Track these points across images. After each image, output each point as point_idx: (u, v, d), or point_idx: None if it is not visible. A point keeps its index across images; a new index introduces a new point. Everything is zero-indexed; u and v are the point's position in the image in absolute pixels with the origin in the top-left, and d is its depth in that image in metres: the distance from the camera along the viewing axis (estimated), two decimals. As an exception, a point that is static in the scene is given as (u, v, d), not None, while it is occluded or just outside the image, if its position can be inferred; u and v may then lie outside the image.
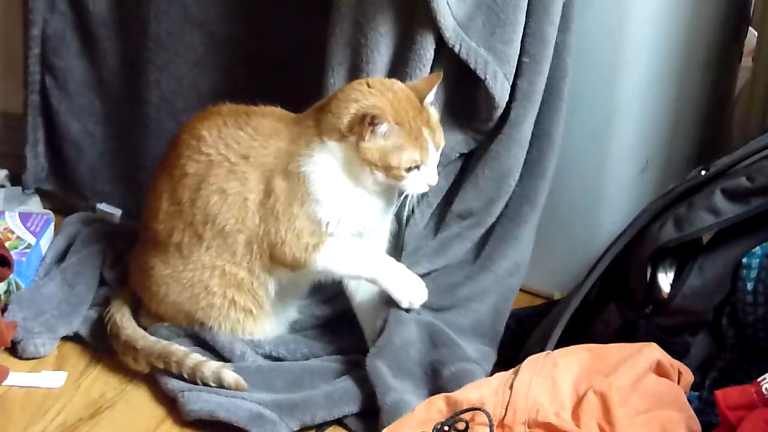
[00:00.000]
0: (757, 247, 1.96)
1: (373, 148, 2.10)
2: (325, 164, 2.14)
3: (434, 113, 2.19)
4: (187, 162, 2.21)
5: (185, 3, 2.61)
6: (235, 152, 2.18)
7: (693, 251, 2.02)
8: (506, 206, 2.36)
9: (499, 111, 2.27)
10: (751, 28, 2.65)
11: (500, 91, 2.24)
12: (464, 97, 2.31)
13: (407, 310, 2.21)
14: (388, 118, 2.08)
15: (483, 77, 2.22)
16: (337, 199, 2.15)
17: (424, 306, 2.24)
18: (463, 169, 2.38)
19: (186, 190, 2.21)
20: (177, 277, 2.25)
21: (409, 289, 2.21)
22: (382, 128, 2.08)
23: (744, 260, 1.96)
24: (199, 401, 2.11)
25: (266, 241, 2.18)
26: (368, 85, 2.15)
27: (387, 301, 2.23)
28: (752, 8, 2.62)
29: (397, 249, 2.35)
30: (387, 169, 2.11)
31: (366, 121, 2.08)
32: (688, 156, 2.51)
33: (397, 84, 2.17)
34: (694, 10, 2.39)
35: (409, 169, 2.12)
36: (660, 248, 2.02)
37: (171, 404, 2.17)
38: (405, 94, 2.14)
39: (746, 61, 2.69)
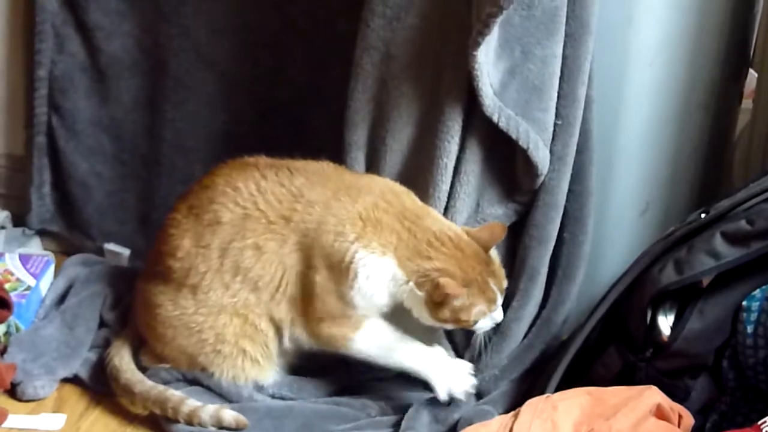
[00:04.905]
0: (757, 290, 1.96)
1: (445, 310, 2.11)
2: (381, 273, 2.12)
3: (497, 258, 2.19)
4: (221, 209, 2.18)
5: (198, 42, 2.63)
6: (275, 211, 2.15)
7: (693, 294, 2.02)
8: (560, 266, 2.34)
9: (541, 179, 2.23)
10: (751, 70, 2.66)
11: (542, 160, 2.20)
12: (500, 171, 2.28)
13: (449, 402, 2.19)
14: (461, 291, 2.08)
15: (525, 147, 2.17)
16: (377, 298, 2.14)
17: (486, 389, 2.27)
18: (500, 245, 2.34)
19: (216, 238, 2.18)
20: (185, 320, 2.22)
21: (452, 379, 2.18)
22: (455, 302, 2.09)
23: (744, 303, 1.96)
24: (207, 443, 2.11)
25: (304, 312, 2.18)
26: (441, 243, 2.12)
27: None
28: (752, 50, 2.62)
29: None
30: (457, 322, 2.14)
31: (438, 294, 2.07)
32: (688, 198, 2.51)
33: (463, 239, 2.14)
34: (694, 52, 2.40)
35: (476, 320, 2.15)
36: (660, 291, 2.02)
37: (171, 447, 2.16)
38: (472, 249, 2.13)
39: (746, 103, 2.69)
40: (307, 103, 2.61)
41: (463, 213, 2.27)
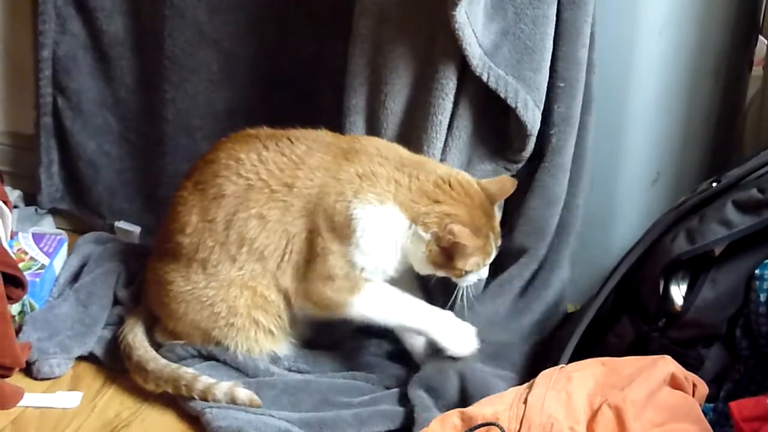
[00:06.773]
0: (770, 258, 1.96)
1: (446, 256, 2.12)
2: (380, 222, 2.12)
3: (498, 214, 2.20)
4: (225, 182, 2.20)
5: (199, 21, 2.63)
6: (278, 179, 2.17)
7: (705, 264, 2.02)
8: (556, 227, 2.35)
9: (532, 139, 2.24)
10: (761, 37, 2.65)
11: (531, 119, 2.21)
12: (492, 128, 2.29)
13: (454, 358, 2.19)
14: (473, 243, 2.09)
15: (514, 106, 2.19)
16: (378, 253, 2.14)
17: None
18: (507, 203, 2.36)
19: (221, 210, 2.20)
20: (197, 294, 2.24)
21: (458, 338, 2.19)
22: (466, 251, 2.10)
23: (756, 272, 1.96)
24: (228, 418, 2.11)
25: (305, 275, 2.18)
26: (451, 187, 2.13)
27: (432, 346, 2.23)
28: (762, 17, 2.61)
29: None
30: (450, 269, 2.14)
31: (448, 240, 2.08)
32: (699, 167, 2.51)
33: (474, 187, 2.16)
34: (703, 20, 2.39)
35: (468, 271, 2.15)
36: (672, 261, 2.02)
37: (188, 423, 2.18)
38: (480, 199, 2.15)
39: (756, 70, 2.69)
40: (314, 77, 2.61)
41: (454, 167, 2.27)
